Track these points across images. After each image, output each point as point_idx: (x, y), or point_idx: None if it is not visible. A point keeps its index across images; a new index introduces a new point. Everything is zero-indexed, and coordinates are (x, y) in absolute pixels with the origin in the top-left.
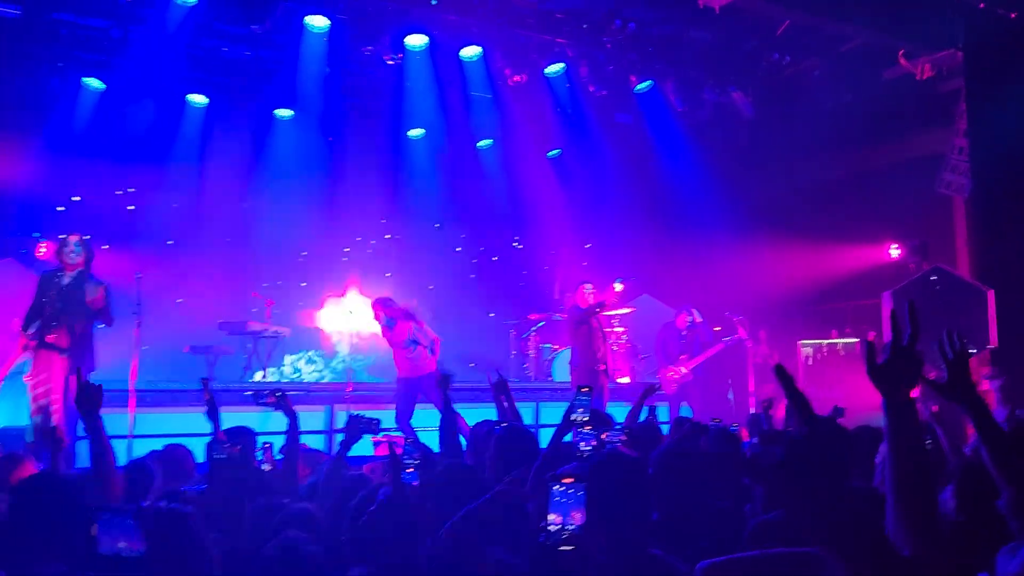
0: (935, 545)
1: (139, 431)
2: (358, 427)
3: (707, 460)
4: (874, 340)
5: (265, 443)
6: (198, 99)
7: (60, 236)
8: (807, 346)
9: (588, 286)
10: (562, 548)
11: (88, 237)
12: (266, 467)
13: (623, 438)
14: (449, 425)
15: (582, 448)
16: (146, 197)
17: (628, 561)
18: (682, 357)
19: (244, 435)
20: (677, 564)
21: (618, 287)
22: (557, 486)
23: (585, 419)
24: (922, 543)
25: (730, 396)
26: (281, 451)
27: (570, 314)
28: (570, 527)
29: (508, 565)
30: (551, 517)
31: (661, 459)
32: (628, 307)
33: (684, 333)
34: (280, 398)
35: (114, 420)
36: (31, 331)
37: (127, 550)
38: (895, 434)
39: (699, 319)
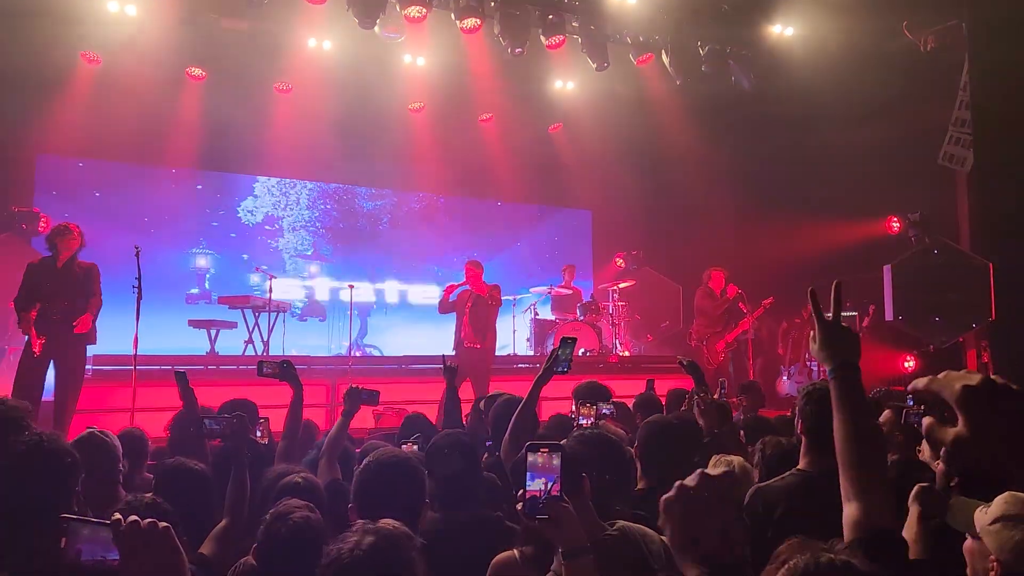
0: (884, 507)
1: (140, 404)
2: (358, 399)
3: (695, 430)
4: (863, 324)
5: (262, 417)
6: (197, 72)
7: (61, 225)
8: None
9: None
10: (539, 517)
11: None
12: (262, 440)
13: (612, 411)
14: (452, 404)
15: (580, 424)
16: (146, 171)
17: (600, 529)
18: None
19: (245, 408)
20: (645, 531)
21: (620, 263)
22: (533, 455)
23: (565, 370)
24: (871, 504)
25: (730, 369)
26: (285, 422)
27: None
28: (546, 496)
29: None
30: (529, 486)
31: (648, 428)
32: (629, 280)
33: (719, 297)
34: (285, 368)
35: (117, 393)
36: (31, 312)
37: (101, 560)
38: (839, 401)
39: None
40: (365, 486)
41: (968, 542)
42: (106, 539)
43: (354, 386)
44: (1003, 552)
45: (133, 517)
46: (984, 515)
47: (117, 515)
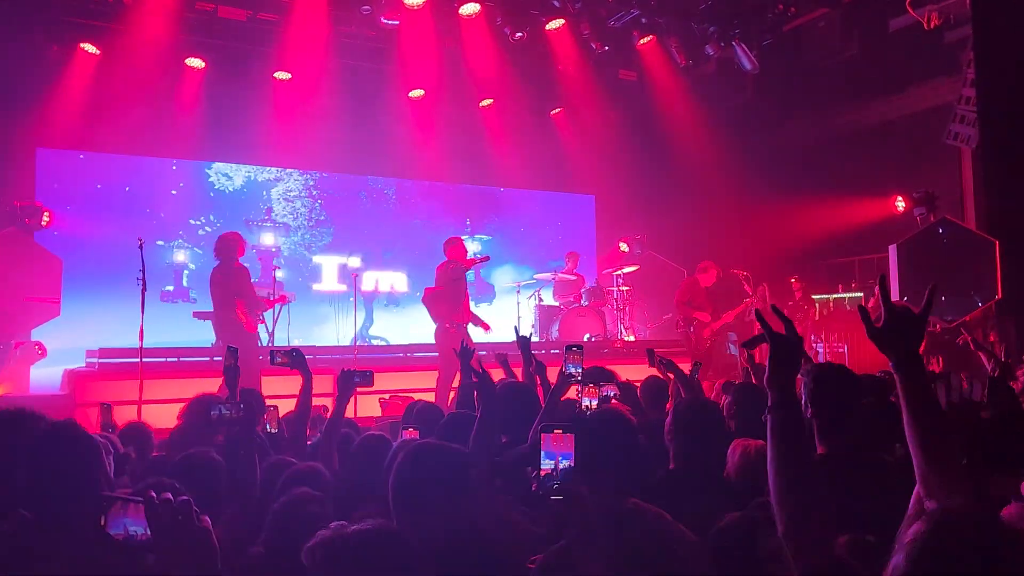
0: (963, 492)
1: (148, 396)
2: (351, 382)
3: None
4: (868, 305)
5: (270, 406)
6: (196, 62)
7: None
8: (814, 301)
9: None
10: (553, 497)
11: None
12: (271, 429)
13: (616, 392)
14: (468, 389)
15: (584, 406)
16: (146, 163)
17: (610, 511)
18: (703, 315)
19: (250, 398)
20: (661, 513)
21: (624, 248)
22: (547, 435)
23: (579, 378)
24: (951, 492)
25: (733, 351)
26: (295, 409)
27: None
28: (560, 476)
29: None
30: (542, 466)
31: (678, 413)
32: (634, 265)
33: (703, 289)
34: (295, 357)
35: (124, 386)
36: None
37: (136, 535)
38: (906, 391)
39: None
40: (403, 482)
41: (1012, 506)
42: (139, 516)
43: (346, 369)
44: None
45: (166, 494)
46: None
47: (151, 492)
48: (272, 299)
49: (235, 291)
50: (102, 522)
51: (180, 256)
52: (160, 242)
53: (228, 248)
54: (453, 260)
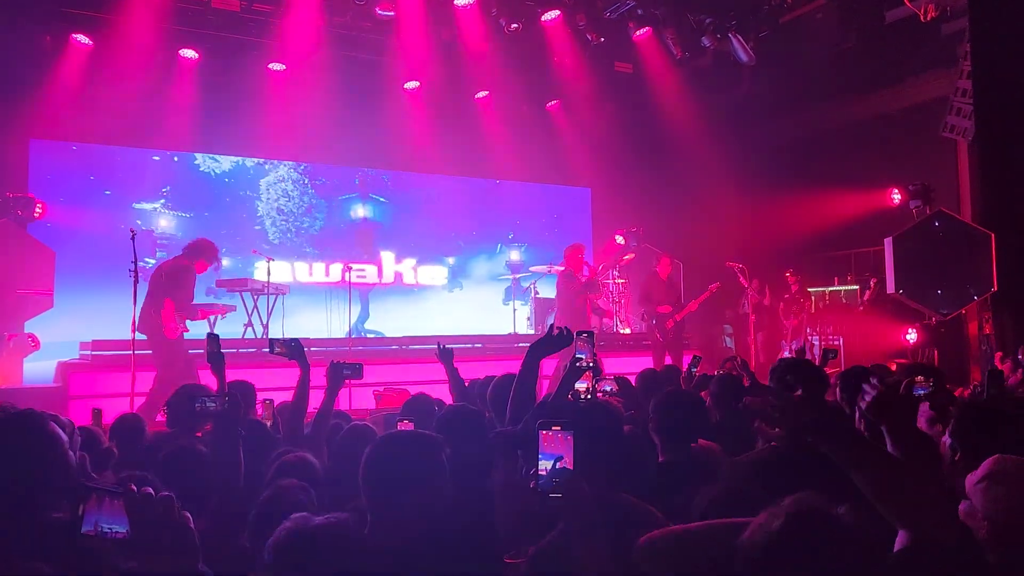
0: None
1: (142, 389)
2: (340, 374)
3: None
4: (864, 298)
5: (264, 399)
6: (189, 53)
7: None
8: (810, 293)
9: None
10: (552, 495)
11: None
12: (266, 421)
13: (615, 387)
14: (458, 385)
15: (581, 396)
16: (139, 154)
17: (603, 504)
18: (664, 308)
19: (243, 390)
20: (649, 509)
21: (619, 240)
22: (545, 433)
23: (589, 365)
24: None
25: (730, 344)
26: (291, 400)
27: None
28: (558, 474)
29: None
30: (541, 464)
31: (659, 407)
32: (631, 254)
33: (665, 280)
34: (293, 347)
35: (116, 378)
36: None
37: (111, 531)
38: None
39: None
40: (372, 471)
41: (961, 504)
42: (118, 510)
43: (335, 361)
44: (989, 508)
45: (147, 488)
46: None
47: (132, 485)
48: (206, 310)
49: (169, 289)
50: (80, 512)
51: (163, 222)
52: (142, 205)
53: (196, 252)
54: (573, 272)
